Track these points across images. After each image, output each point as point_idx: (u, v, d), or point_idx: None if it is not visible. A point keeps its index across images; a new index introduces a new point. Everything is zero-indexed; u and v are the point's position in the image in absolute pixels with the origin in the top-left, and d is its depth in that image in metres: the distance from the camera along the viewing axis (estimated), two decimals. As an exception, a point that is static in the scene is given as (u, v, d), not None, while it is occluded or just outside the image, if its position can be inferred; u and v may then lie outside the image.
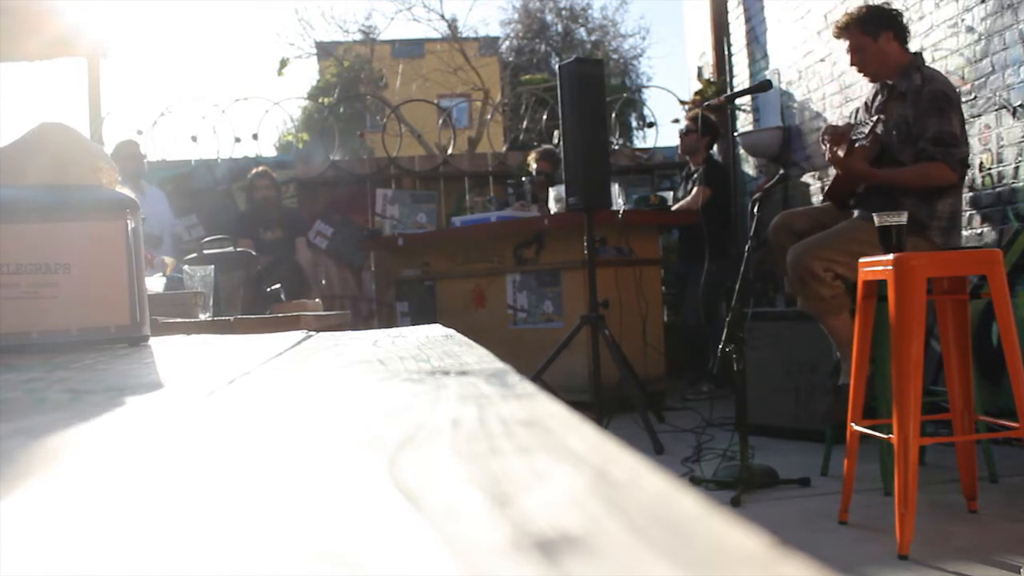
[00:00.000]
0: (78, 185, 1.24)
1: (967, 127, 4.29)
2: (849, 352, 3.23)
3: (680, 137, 6.28)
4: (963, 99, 4.34)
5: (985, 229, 4.25)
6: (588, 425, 0.40)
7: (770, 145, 6.32)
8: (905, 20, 3.77)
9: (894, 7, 3.80)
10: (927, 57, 4.61)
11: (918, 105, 3.50)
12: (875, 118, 3.52)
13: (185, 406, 0.60)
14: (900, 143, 3.53)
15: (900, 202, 3.46)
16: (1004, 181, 4.11)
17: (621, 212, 5.12)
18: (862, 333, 3.07)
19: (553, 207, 5.41)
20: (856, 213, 3.62)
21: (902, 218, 2.97)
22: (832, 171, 3.85)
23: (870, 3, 3.97)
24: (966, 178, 4.24)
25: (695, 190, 5.91)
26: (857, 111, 3.93)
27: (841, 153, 3.50)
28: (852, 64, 3.77)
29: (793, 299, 3.71)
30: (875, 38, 3.68)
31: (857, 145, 3.53)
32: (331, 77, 16.14)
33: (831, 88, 5.65)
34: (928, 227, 3.47)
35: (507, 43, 21.14)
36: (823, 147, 3.71)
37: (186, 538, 0.27)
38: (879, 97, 3.73)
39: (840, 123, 3.86)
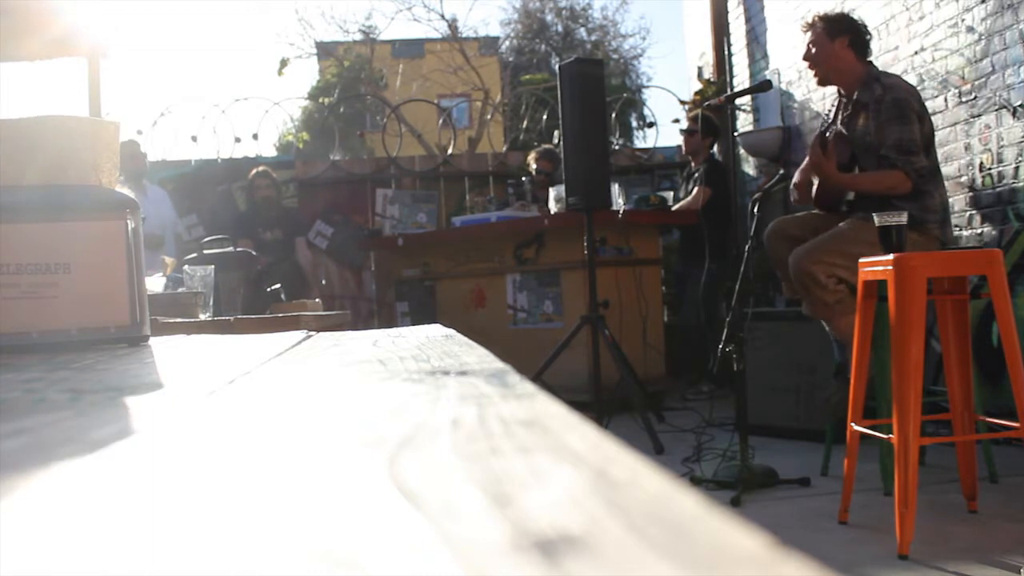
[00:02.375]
0: (78, 185, 1.24)
1: (967, 127, 4.31)
2: None
3: (684, 136, 6.26)
4: (963, 99, 4.35)
5: (985, 229, 4.25)
6: (588, 425, 0.40)
7: (770, 145, 6.32)
8: (868, 36, 3.82)
9: (861, 21, 3.85)
10: (927, 57, 4.62)
11: (880, 113, 3.55)
12: (838, 128, 3.59)
13: (185, 406, 0.60)
14: (863, 154, 3.59)
15: (893, 204, 3.47)
16: (1004, 181, 4.11)
17: (621, 212, 5.12)
18: (862, 333, 3.07)
19: (553, 207, 5.41)
20: (853, 215, 3.64)
21: (902, 218, 2.98)
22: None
23: (841, 11, 4.04)
24: (962, 178, 4.27)
25: (695, 190, 5.91)
26: (822, 124, 3.99)
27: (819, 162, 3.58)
28: (804, 59, 3.82)
29: (793, 300, 3.72)
30: (831, 39, 3.73)
31: (831, 137, 3.60)
32: (331, 77, 16.13)
33: (831, 88, 5.64)
34: (926, 221, 3.50)
35: (507, 43, 21.14)
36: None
37: (186, 538, 0.27)
38: (841, 113, 3.78)
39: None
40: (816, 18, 3.80)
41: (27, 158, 1.22)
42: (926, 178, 3.52)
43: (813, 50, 3.75)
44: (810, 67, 3.82)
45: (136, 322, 1.17)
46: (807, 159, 3.94)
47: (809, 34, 3.79)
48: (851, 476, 3.00)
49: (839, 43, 3.71)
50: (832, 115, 3.87)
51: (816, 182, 3.76)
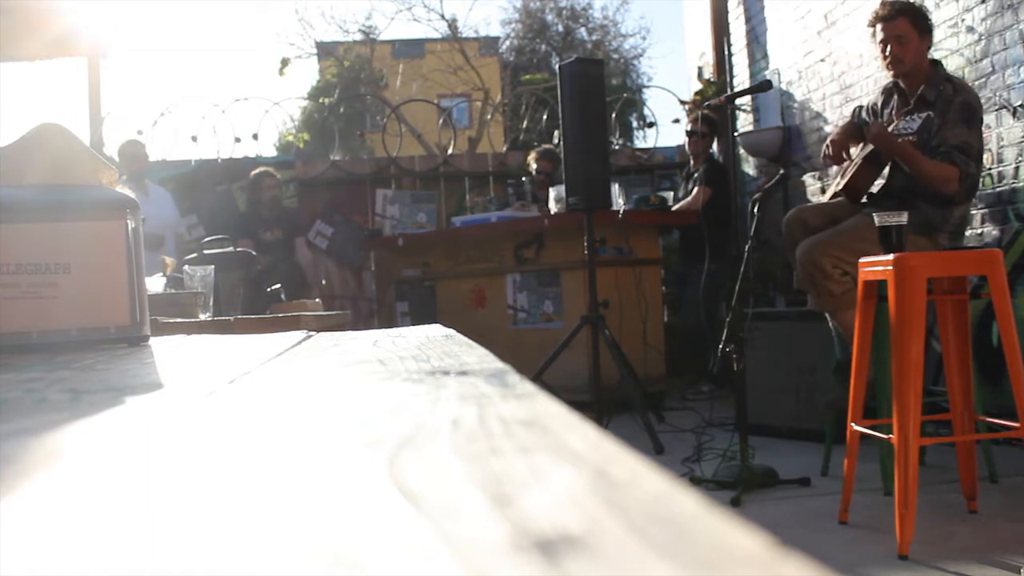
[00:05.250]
0: (78, 185, 1.24)
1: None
2: None
3: (692, 139, 6.21)
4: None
5: (985, 229, 4.25)
6: (588, 425, 0.40)
7: (770, 145, 6.31)
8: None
9: None
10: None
11: (948, 112, 3.48)
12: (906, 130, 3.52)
13: (185, 406, 0.60)
14: (920, 149, 3.54)
15: (915, 204, 3.45)
16: (1004, 181, 4.11)
17: (621, 212, 5.12)
18: (862, 333, 3.07)
19: (553, 207, 5.41)
20: (864, 211, 3.63)
21: (902, 218, 2.97)
22: (828, 172, 3.87)
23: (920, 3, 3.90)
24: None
25: (695, 190, 5.91)
26: (859, 110, 3.92)
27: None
28: (891, 52, 3.61)
29: (793, 299, 3.72)
30: (921, 35, 3.62)
31: (900, 140, 3.54)
32: (331, 77, 16.14)
33: (831, 88, 5.65)
34: (939, 230, 3.49)
35: (507, 43, 21.15)
36: (856, 117, 3.69)
37: (186, 538, 0.27)
38: (894, 102, 3.71)
39: (841, 122, 3.86)
40: (903, 7, 3.63)
41: (26, 160, 1.22)
42: (969, 188, 3.50)
43: (902, 45, 3.59)
44: (892, 63, 3.62)
45: (136, 322, 1.17)
46: (844, 124, 3.85)
47: (891, 27, 3.61)
48: (851, 476, 3.00)
49: (926, 41, 3.62)
50: (879, 108, 3.78)
51: (852, 168, 3.67)
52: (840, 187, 3.73)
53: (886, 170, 3.65)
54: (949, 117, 3.48)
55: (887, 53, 3.63)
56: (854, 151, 3.72)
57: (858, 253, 3.25)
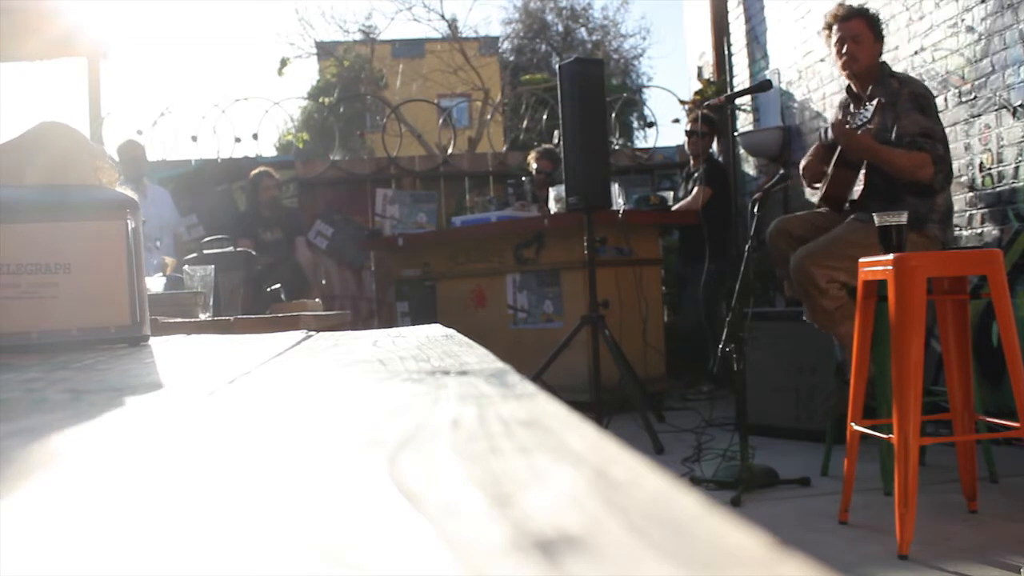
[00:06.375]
0: (78, 185, 1.24)
1: (967, 127, 4.31)
2: None
3: (692, 139, 6.20)
4: (963, 99, 4.35)
5: (985, 229, 4.25)
6: (588, 425, 0.40)
7: (770, 145, 6.31)
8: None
9: None
10: (927, 57, 4.62)
11: (899, 105, 3.56)
12: (865, 124, 3.58)
13: (185, 406, 0.60)
14: (879, 135, 3.59)
15: (900, 199, 3.48)
16: (1004, 181, 4.10)
17: (621, 212, 5.12)
18: (862, 333, 3.07)
19: (553, 207, 5.41)
20: (853, 216, 3.63)
21: (902, 218, 2.98)
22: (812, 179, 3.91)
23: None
24: (962, 178, 4.26)
25: (696, 190, 5.91)
26: (825, 131, 3.98)
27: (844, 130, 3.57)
28: (846, 52, 3.74)
29: (793, 300, 3.73)
30: (876, 37, 3.76)
31: (860, 132, 3.60)
32: (331, 77, 16.12)
33: (831, 88, 5.65)
34: (928, 220, 3.51)
35: (507, 43, 21.15)
36: (823, 138, 3.78)
37: (186, 538, 0.27)
38: (850, 107, 3.79)
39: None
40: (859, 9, 3.80)
41: (27, 159, 1.22)
42: (946, 173, 3.54)
43: (859, 45, 3.71)
44: (847, 63, 3.75)
45: (136, 322, 1.17)
46: (813, 147, 3.93)
47: (847, 27, 3.73)
48: (851, 476, 3.00)
49: (879, 44, 3.76)
50: (840, 115, 3.86)
51: (827, 178, 3.74)
52: (820, 198, 3.78)
53: (862, 174, 3.68)
54: (901, 109, 3.55)
55: (843, 52, 3.75)
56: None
57: (851, 260, 3.25)
